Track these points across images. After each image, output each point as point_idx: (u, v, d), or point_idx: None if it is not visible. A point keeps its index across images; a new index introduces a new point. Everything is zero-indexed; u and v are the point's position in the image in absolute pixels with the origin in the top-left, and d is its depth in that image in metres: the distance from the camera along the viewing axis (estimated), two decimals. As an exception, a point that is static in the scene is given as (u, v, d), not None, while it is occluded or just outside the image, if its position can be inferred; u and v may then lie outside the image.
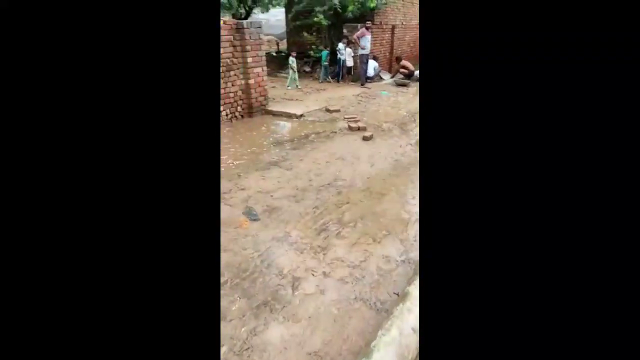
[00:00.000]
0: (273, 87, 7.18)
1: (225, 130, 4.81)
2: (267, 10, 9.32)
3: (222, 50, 4.89)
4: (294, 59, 7.52)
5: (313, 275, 2.07)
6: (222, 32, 4.86)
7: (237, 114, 5.30)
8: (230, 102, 5.16)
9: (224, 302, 1.88)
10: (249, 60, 5.19)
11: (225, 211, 2.78)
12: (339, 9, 7.99)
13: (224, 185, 3.21)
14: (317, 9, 8.07)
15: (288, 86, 7.39)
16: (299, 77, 7.75)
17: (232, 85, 5.14)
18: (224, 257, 2.24)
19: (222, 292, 1.96)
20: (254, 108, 5.45)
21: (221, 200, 2.94)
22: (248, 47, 5.12)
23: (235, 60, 5.09)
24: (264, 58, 5.45)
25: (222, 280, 2.05)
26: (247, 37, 5.06)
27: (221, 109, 5.04)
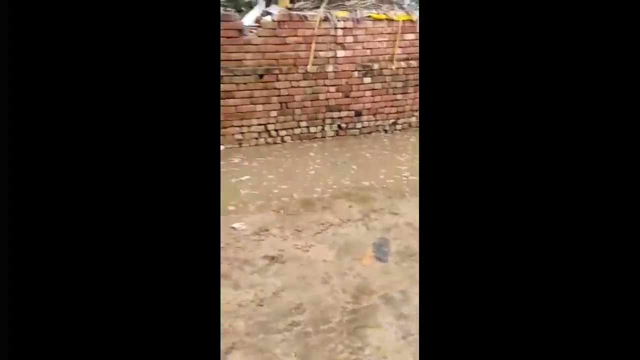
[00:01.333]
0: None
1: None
2: None
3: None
4: None
5: (396, 382, 1.39)
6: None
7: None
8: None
9: (278, 349, 1.54)
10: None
11: (358, 233, 2.37)
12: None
13: (382, 202, 2.76)
14: None
15: None
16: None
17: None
18: (320, 290, 1.87)
19: (287, 334, 1.62)
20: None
21: (361, 220, 2.53)
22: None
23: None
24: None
25: (297, 319, 1.70)
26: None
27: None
